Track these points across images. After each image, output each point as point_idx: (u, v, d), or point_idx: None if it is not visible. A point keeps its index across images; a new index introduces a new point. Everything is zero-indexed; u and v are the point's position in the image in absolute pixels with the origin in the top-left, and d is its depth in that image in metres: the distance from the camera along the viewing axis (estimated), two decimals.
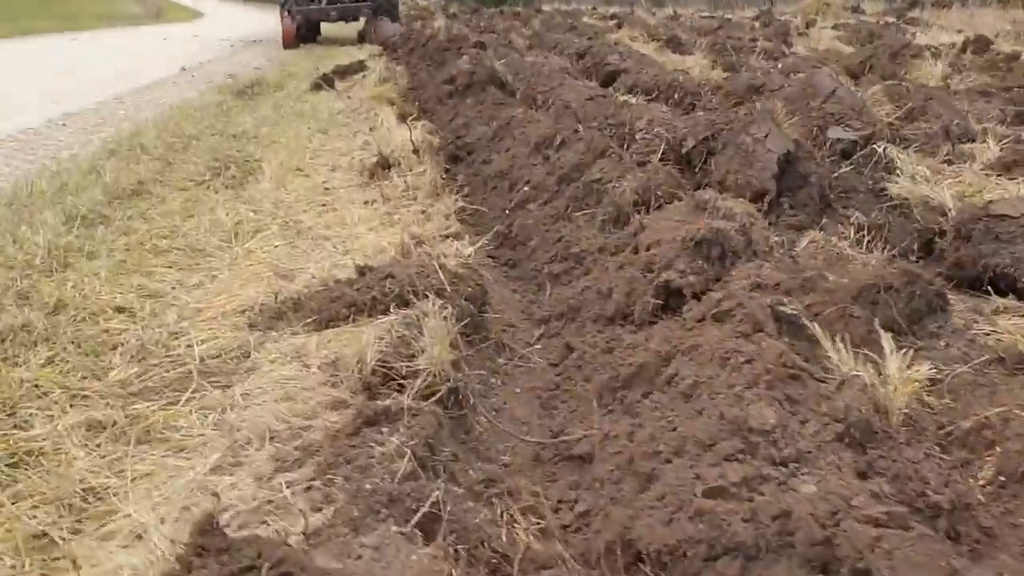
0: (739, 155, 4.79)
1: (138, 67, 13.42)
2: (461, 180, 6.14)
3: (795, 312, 2.50)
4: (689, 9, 32.06)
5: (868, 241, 4.51)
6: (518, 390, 3.12)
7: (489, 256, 4.58)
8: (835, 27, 16.16)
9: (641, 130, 6.37)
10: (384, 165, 5.68)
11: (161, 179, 5.51)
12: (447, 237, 4.23)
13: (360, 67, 11.35)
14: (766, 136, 4.81)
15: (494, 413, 2.91)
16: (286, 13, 17.08)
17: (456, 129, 7.60)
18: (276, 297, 3.37)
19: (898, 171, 5.14)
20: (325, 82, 10.13)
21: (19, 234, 4.12)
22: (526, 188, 5.30)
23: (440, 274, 3.25)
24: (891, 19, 16.84)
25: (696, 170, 5.00)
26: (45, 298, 3.39)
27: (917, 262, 4.33)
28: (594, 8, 38.13)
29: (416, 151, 5.91)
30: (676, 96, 8.74)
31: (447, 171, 6.13)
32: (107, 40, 20.65)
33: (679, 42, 12.85)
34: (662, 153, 5.30)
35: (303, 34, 17.59)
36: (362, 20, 18.78)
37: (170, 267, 3.92)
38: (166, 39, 20.40)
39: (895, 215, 4.73)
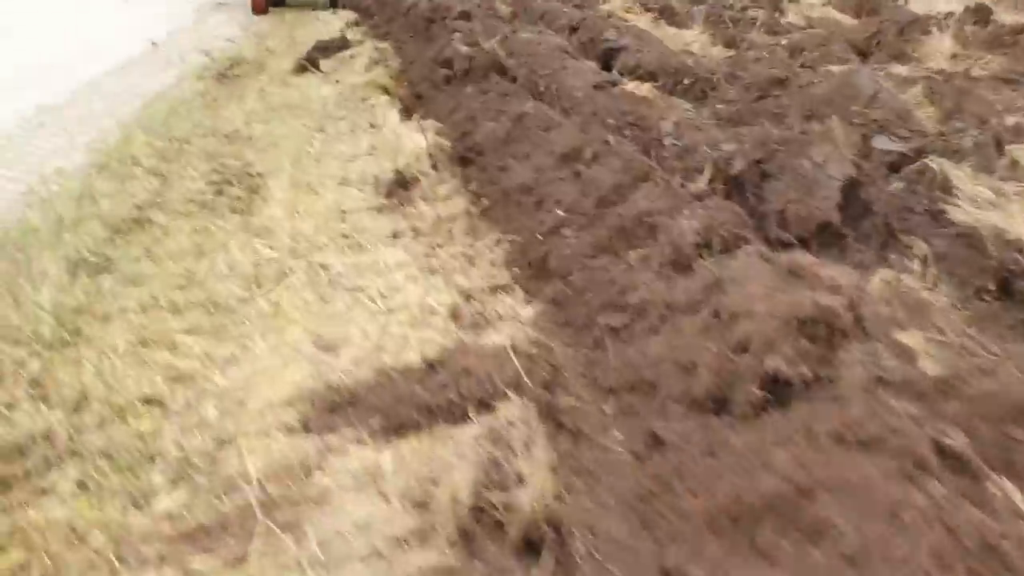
0: (798, 182, 4.45)
1: (104, 42, 12.68)
2: (475, 187, 5.75)
3: (962, 450, 2.19)
4: None
5: (935, 276, 4.25)
6: (607, 498, 2.79)
7: (525, 291, 4.22)
8: None
9: (669, 134, 6.01)
10: (402, 183, 5.26)
11: (160, 201, 5.05)
12: (496, 289, 3.87)
13: (343, 43, 10.78)
14: (825, 160, 4.47)
15: (592, 537, 2.58)
16: None
17: (459, 123, 7.17)
18: (327, 385, 2.99)
19: (955, 190, 4.84)
20: (310, 63, 9.58)
21: (19, 291, 3.68)
22: (559, 211, 4.92)
23: (516, 362, 2.90)
24: None
25: (747, 195, 4.64)
26: (63, 388, 2.99)
27: (995, 304, 4.07)
28: None
29: (435, 166, 5.50)
30: (685, 82, 8.38)
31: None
32: (62, 3, 19.63)
33: (673, 12, 12.40)
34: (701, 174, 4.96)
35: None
36: None
37: (193, 332, 3.51)
38: (127, 1, 19.43)
39: (961, 245, 4.44)
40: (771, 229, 4.36)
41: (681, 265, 3.95)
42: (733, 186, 4.76)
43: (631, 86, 8.06)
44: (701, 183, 4.70)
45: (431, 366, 2.88)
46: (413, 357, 3.12)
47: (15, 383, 3.00)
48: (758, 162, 4.67)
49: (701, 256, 3.92)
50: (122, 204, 4.83)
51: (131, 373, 3.12)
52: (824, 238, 4.36)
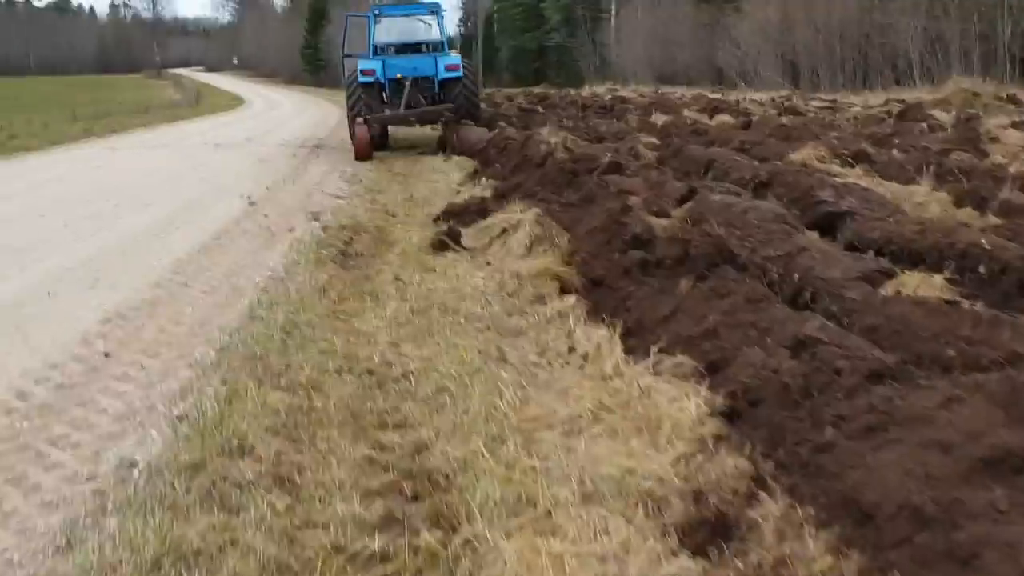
0: None
1: (193, 197, 10.96)
2: (775, 474, 3.44)
3: None
4: (772, 92, 29.77)
5: None
6: None
7: None
8: (1015, 125, 13.51)
9: None
10: (721, 525, 2.96)
11: (296, 564, 2.82)
12: None
13: (481, 208, 8.76)
14: None
15: None
16: (361, 121, 14.66)
17: (692, 341, 4.91)
18: None
19: None
20: (450, 237, 7.52)
21: None
22: None
23: None
24: None
25: None
26: None
27: None
28: (658, 91, 36.05)
29: (759, 478, 3.20)
30: (981, 270, 6.04)
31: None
32: (149, 147, 18.42)
33: (870, 159, 10.21)
34: None
35: (377, 143, 15.21)
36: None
37: None
38: (219, 145, 18.10)
39: None
40: None
41: None
42: None
43: (915, 280, 5.78)
44: None
45: None
46: None
47: None
48: None
49: None
50: None
51: None
52: None
